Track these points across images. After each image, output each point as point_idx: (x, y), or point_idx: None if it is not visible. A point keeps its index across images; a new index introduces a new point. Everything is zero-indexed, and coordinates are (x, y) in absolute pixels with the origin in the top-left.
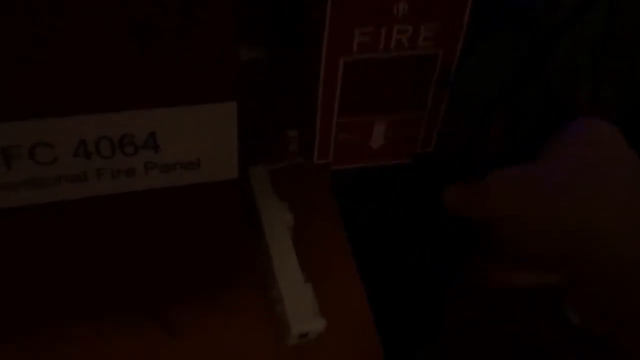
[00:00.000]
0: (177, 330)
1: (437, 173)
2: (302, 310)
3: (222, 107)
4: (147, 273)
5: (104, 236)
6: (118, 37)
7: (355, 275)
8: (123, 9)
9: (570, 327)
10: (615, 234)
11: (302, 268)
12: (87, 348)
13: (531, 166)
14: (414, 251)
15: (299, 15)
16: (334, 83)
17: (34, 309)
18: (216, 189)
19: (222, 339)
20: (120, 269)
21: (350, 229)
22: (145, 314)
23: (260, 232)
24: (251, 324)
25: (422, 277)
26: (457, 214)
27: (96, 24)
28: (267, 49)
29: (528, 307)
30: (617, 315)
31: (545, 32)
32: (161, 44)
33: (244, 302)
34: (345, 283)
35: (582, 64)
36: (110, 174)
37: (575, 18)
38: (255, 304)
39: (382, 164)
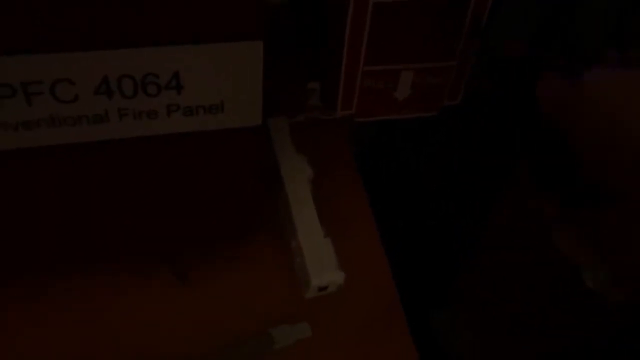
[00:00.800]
0: (192, 278)
1: (462, 127)
2: (322, 263)
3: (249, 46)
4: (163, 220)
5: (121, 180)
6: None
7: (373, 231)
8: None
9: (585, 292)
10: None
11: (321, 222)
12: (101, 292)
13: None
14: (434, 205)
15: None
16: (362, 25)
17: (48, 252)
18: (238, 136)
19: (237, 289)
20: (136, 215)
21: (370, 183)
22: (160, 262)
23: (280, 184)
24: (267, 275)
25: (441, 232)
26: (552, 110)
27: None
28: None
29: (527, 287)
30: None
31: None
32: None
33: (260, 253)
34: (363, 238)
35: (609, 20)
36: (132, 115)
37: None
38: (271, 256)
39: (407, 116)
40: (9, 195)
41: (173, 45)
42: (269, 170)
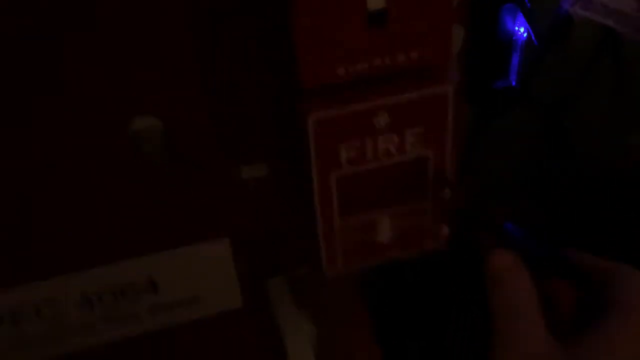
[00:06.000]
0: None
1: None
2: None
3: (215, 244)
4: None
5: None
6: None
7: None
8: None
9: None
10: None
11: None
12: None
13: None
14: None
15: (292, 135)
16: (330, 196)
17: None
18: (223, 319)
19: None
20: None
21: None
22: None
23: (283, 347)
24: None
25: None
26: None
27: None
28: (269, 166)
29: None
30: None
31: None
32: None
33: None
34: None
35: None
36: (117, 321)
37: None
38: None
39: (399, 256)
40: None
41: (144, 255)
42: (272, 334)
